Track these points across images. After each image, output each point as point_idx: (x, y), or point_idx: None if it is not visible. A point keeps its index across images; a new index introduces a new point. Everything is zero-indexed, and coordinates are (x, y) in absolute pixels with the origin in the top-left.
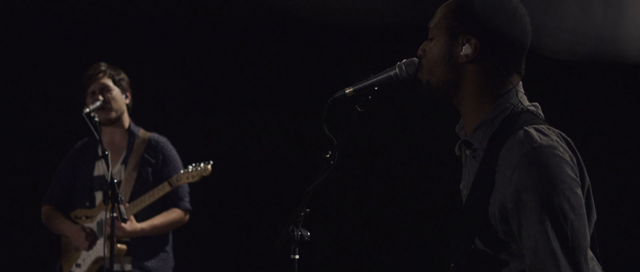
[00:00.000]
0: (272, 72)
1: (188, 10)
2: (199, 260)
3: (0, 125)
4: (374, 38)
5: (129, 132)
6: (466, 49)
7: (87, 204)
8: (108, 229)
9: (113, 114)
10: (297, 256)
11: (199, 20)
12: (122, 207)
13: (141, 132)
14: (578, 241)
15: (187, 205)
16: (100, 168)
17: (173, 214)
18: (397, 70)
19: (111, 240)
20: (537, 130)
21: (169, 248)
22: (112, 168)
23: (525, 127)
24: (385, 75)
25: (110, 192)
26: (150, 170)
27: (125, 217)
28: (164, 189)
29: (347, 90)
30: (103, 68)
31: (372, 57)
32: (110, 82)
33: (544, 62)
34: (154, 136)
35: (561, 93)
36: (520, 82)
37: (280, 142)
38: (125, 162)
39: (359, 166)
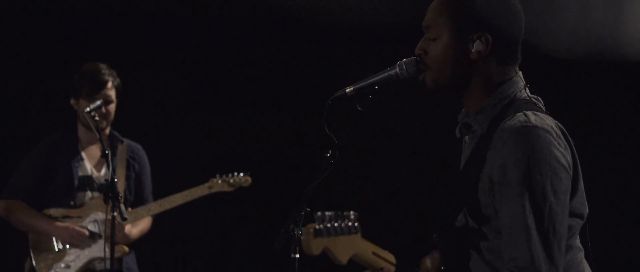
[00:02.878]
0: (272, 71)
1: (188, 9)
2: (199, 259)
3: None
4: (374, 38)
5: (112, 136)
6: (478, 46)
7: (72, 203)
8: (109, 230)
9: (106, 124)
10: (297, 255)
11: (199, 19)
12: (122, 207)
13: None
14: (554, 224)
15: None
16: (86, 168)
17: (148, 222)
18: (397, 69)
19: (112, 240)
20: (535, 114)
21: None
22: (99, 171)
23: (525, 111)
24: (386, 74)
25: (110, 193)
26: (134, 174)
27: (126, 216)
28: (202, 191)
29: (348, 90)
30: (111, 78)
31: (373, 57)
32: (113, 95)
33: (543, 60)
34: (131, 142)
35: (560, 92)
36: (520, 72)
37: (280, 142)
38: (110, 165)
39: (359, 165)
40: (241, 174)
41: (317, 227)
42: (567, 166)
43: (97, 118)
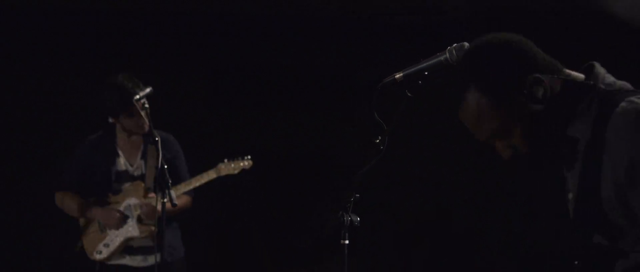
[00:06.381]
0: (295, 68)
1: (216, 7)
2: (240, 251)
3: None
4: (404, 34)
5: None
6: (538, 92)
7: (110, 194)
8: (140, 211)
9: (140, 131)
10: (347, 242)
11: (225, 17)
12: (173, 193)
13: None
14: None
15: (192, 192)
16: (121, 164)
17: (185, 200)
18: (447, 54)
19: (161, 226)
20: (639, 97)
21: (176, 223)
22: (132, 165)
23: (626, 98)
24: (436, 60)
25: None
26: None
27: (175, 202)
28: (209, 175)
29: (397, 76)
30: (135, 97)
31: (407, 52)
32: (141, 114)
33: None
34: (163, 133)
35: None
36: (597, 64)
37: (308, 138)
38: (144, 157)
39: (408, 153)
40: (246, 157)
41: None
42: None
43: (146, 105)
